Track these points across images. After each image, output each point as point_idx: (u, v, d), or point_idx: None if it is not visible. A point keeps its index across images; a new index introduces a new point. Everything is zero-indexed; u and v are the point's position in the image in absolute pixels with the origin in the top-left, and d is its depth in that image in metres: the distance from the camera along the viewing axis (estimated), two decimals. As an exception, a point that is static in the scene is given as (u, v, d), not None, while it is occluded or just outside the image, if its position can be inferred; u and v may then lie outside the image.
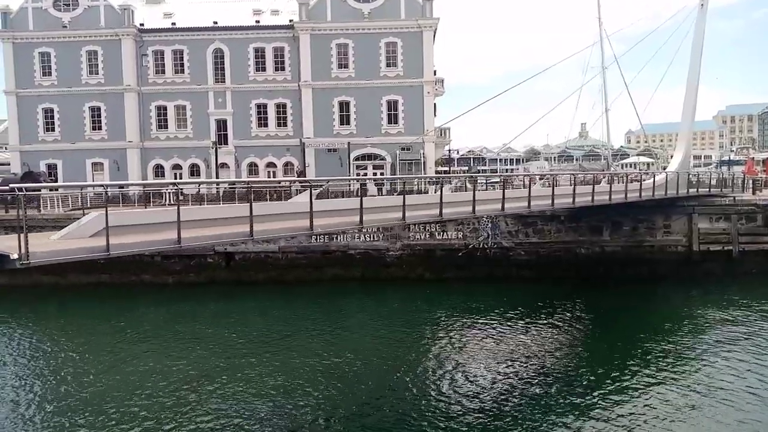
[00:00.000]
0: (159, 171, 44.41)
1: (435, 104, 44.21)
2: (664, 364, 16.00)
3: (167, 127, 44.24)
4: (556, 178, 24.57)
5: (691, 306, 22.60)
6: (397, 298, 25.07)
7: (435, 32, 43.30)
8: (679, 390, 14.05)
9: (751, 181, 36.85)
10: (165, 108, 44.11)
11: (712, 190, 30.89)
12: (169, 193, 29.46)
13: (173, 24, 44.37)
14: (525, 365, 16.27)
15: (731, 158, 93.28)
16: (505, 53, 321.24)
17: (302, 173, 41.99)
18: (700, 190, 29.83)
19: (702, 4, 31.52)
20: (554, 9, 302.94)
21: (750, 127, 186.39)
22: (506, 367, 16.16)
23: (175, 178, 42.60)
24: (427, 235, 28.14)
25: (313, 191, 12.80)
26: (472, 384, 14.85)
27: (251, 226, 11.22)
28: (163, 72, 43.80)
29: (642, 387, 14.31)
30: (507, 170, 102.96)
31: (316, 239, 27.25)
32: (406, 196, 14.84)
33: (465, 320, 21.26)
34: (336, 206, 14.98)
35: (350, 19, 42.30)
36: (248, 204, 11.39)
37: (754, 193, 33.05)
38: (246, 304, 24.45)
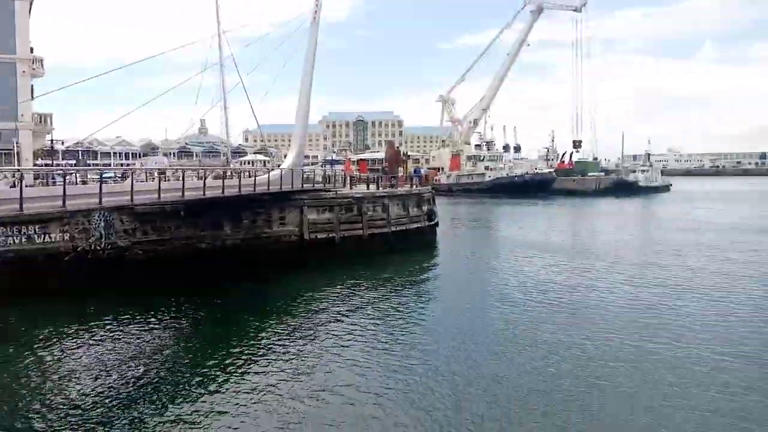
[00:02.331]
0: None
1: (32, 86, 37.97)
2: (282, 350, 17.05)
3: None
4: (167, 172, 23.83)
5: (304, 289, 24.74)
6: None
7: (31, 4, 37.15)
8: (289, 370, 15.17)
9: (349, 178, 43.07)
10: None
11: (317, 185, 34.82)
12: None
13: None
14: (136, 370, 15.14)
15: (333, 158, 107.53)
16: (126, 47, 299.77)
17: None
18: (310, 185, 33.29)
19: (315, 18, 34.57)
20: (176, 7, 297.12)
21: (347, 132, 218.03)
22: (109, 375, 14.76)
23: None
24: (24, 239, 23.76)
25: None
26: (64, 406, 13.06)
27: None
28: None
29: (263, 371, 14.95)
30: (123, 164, 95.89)
31: None
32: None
33: (66, 332, 18.64)
34: None
35: None
36: None
37: (351, 188, 38.59)
38: None
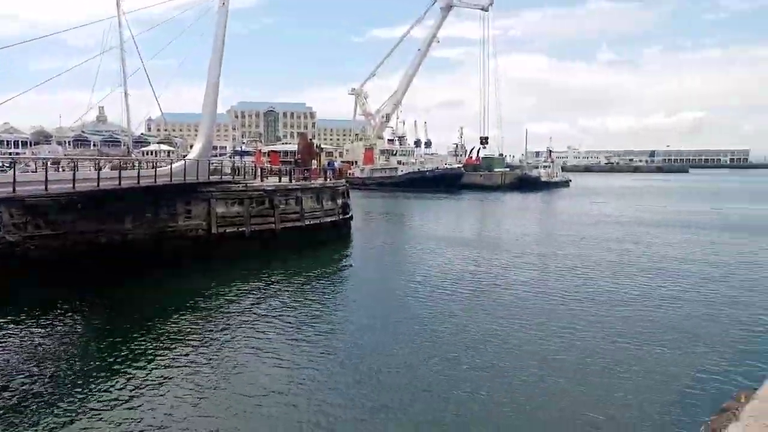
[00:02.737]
0: None
1: None
2: (186, 350, 16.11)
3: None
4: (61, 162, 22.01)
5: (212, 285, 23.65)
6: None
7: None
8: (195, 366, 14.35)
9: (259, 170, 41.75)
10: None
11: (226, 177, 33.45)
12: None
13: None
14: (27, 375, 13.76)
15: (243, 149, 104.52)
16: (19, 26, 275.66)
17: None
18: (218, 177, 31.88)
19: (223, 3, 32.89)
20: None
21: (258, 123, 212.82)
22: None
23: None
24: None
25: None
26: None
27: None
28: None
29: (165, 371, 14.01)
30: (11, 154, 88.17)
31: None
32: None
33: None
34: None
35: None
36: None
37: (262, 180, 37.42)
38: None
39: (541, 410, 12.15)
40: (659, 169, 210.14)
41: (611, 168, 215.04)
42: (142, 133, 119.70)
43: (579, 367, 14.40)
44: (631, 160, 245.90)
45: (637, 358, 15.05)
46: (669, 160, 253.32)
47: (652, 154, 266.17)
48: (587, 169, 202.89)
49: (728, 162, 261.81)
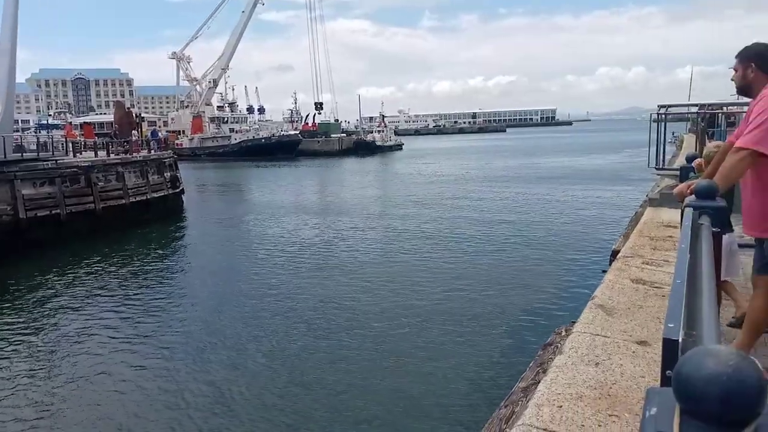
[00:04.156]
0: None
1: None
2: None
3: None
4: None
5: (22, 277, 20.91)
6: None
7: None
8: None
9: (72, 144, 37.34)
10: None
11: (30, 154, 29.39)
12: None
13: None
14: None
15: (50, 122, 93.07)
16: None
17: None
18: (20, 155, 27.89)
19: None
20: None
21: (65, 92, 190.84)
22: None
23: None
24: None
25: None
26: None
27: None
28: None
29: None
30: None
31: None
32: None
33: None
34: None
35: None
36: None
37: (75, 156, 33.55)
38: None
39: (358, 365, 12.48)
40: (481, 130, 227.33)
41: (438, 130, 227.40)
42: None
43: (415, 321, 15.01)
44: (455, 122, 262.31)
45: (469, 305, 16.05)
46: (489, 121, 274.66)
47: (474, 116, 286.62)
48: (417, 132, 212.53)
49: (539, 120, 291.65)
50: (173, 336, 14.80)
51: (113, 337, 14.79)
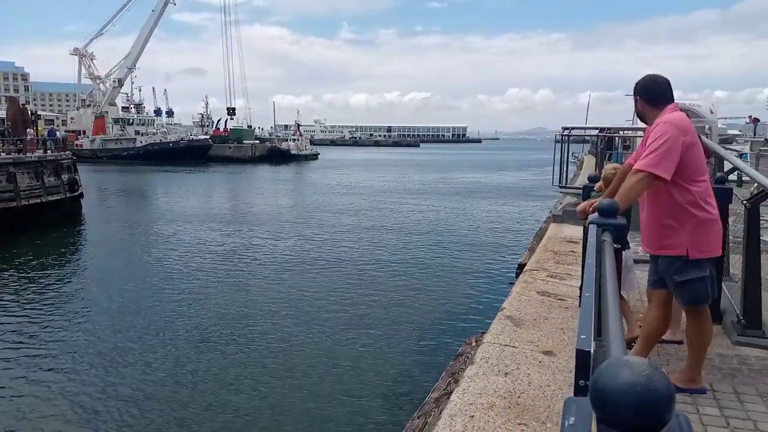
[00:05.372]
0: None
1: None
2: None
3: None
4: None
5: None
6: None
7: None
8: None
9: (-46, 140, 34.19)
10: None
11: None
12: None
13: None
14: None
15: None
16: None
17: None
18: None
19: None
20: None
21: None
22: None
23: None
24: None
25: None
26: None
27: None
28: None
29: None
30: None
31: None
32: None
33: None
34: None
35: None
36: None
37: (-42, 153, 30.73)
38: None
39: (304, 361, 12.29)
40: (396, 144, 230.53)
41: (354, 142, 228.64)
42: None
43: (334, 325, 14.91)
44: (371, 134, 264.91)
45: (382, 315, 16.14)
46: (403, 135, 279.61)
47: (389, 129, 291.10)
48: (333, 143, 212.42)
49: (450, 137, 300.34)
50: (66, 350, 13.80)
51: (-2, 352, 13.59)
